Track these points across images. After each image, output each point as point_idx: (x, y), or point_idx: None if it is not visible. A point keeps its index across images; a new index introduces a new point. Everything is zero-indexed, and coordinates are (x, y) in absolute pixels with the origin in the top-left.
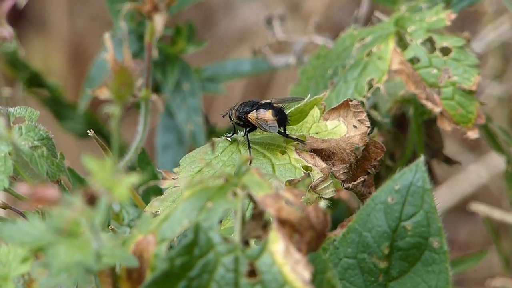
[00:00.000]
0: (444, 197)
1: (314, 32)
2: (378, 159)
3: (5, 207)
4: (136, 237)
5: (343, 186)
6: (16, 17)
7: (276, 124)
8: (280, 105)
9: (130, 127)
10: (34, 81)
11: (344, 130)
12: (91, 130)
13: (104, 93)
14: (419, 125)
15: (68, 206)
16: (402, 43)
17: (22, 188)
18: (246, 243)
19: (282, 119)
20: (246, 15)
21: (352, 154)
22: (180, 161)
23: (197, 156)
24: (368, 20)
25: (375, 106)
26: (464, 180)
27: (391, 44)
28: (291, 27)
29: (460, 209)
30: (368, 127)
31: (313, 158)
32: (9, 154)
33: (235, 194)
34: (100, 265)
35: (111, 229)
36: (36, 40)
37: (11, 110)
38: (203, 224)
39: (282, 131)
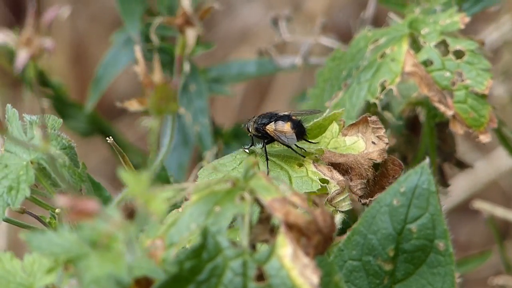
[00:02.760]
0: (451, 195)
1: (320, 32)
2: (396, 176)
3: (23, 211)
4: (144, 242)
5: (360, 201)
6: (17, 17)
7: (294, 136)
8: (299, 117)
9: (131, 127)
10: (39, 80)
11: (362, 146)
12: (110, 137)
13: (134, 106)
14: (431, 127)
15: (106, 219)
16: (416, 45)
17: (62, 200)
18: (253, 247)
19: (300, 132)
20: (246, 16)
21: (370, 170)
22: (198, 172)
23: (215, 167)
24: (375, 22)
25: (388, 108)
26: (469, 178)
27: (405, 46)
28: (292, 27)
29: (461, 209)
30: (387, 143)
31: (331, 171)
32: (31, 163)
33: (242, 198)
34: (131, 278)
35: None
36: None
37: (34, 117)
38: (211, 228)
39: (300, 143)
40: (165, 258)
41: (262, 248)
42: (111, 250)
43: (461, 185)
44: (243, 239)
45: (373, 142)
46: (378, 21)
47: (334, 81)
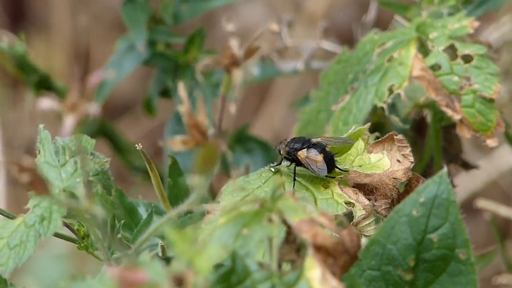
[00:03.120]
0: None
1: (322, 37)
2: None
3: None
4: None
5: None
6: (18, 17)
7: (325, 167)
8: (330, 147)
9: (131, 127)
10: (43, 84)
11: (387, 164)
12: (139, 144)
13: (178, 146)
14: (437, 130)
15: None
16: (424, 49)
17: (112, 271)
18: (279, 267)
19: (331, 165)
20: (246, 16)
21: (395, 189)
22: (222, 189)
23: (239, 185)
24: (377, 25)
25: (393, 110)
26: (470, 177)
27: (413, 50)
28: (293, 29)
29: (462, 208)
30: (412, 162)
31: (356, 194)
32: (64, 191)
33: (270, 220)
34: None
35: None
36: (37, 41)
37: (66, 140)
38: (240, 251)
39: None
40: (195, 283)
41: (288, 268)
42: None
43: (461, 185)
44: (272, 261)
45: (398, 160)
46: (380, 24)
47: (340, 84)
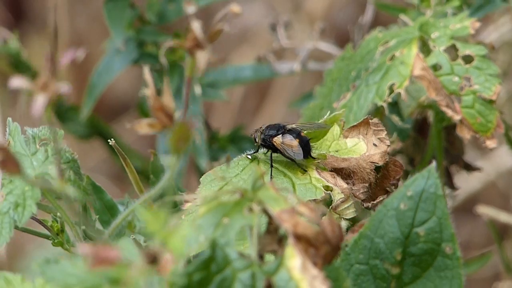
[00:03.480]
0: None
1: (319, 38)
2: (397, 177)
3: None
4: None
5: (363, 205)
6: (16, 17)
7: (301, 151)
8: (306, 132)
9: (128, 129)
10: None
11: (364, 148)
12: (112, 140)
13: (144, 129)
14: (439, 130)
15: (129, 265)
16: (425, 49)
17: (83, 249)
18: (261, 257)
19: (307, 150)
20: (247, 16)
21: (372, 173)
22: (201, 179)
23: (218, 174)
24: (373, 27)
25: (395, 110)
26: (470, 178)
27: (414, 49)
28: (292, 29)
29: (461, 209)
30: (388, 145)
31: (334, 177)
32: (36, 178)
33: (251, 209)
34: None
35: (133, 239)
36: (36, 41)
37: (36, 131)
38: (220, 240)
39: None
40: (174, 270)
41: (270, 258)
42: (127, 285)
43: (461, 185)
44: (252, 250)
45: (375, 144)
46: (378, 25)
47: (343, 81)
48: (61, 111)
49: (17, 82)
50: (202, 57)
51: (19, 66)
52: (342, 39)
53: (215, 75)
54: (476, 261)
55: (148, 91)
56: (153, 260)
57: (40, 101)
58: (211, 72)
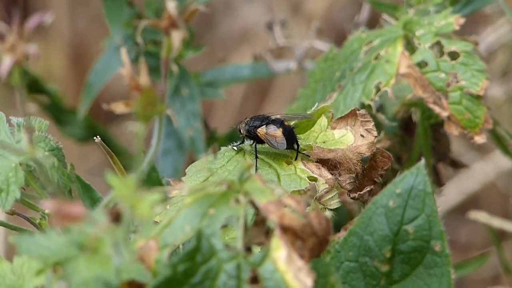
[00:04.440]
0: (449, 196)
1: (315, 37)
2: (385, 168)
3: (12, 213)
4: (137, 243)
5: (350, 196)
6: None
7: (285, 141)
8: (291, 124)
9: (126, 131)
10: (34, 87)
11: (351, 139)
12: (97, 136)
13: (120, 108)
14: (426, 128)
15: (93, 223)
16: (410, 47)
17: (47, 205)
18: (248, 249)
19: (291, 139)
20: (246, 16)
21: (359, 163)
22: (186, 170)
23: (203, 165)
24: (370, 25)
25: (381, 109)
26: (469, 179)
27: (399, 47)
28: (291, 29)
29: (462, 210)
30: (376, 136)
31: (319, 168)
32: (20, 164)
33: (237, 200)
34: (119, 281)
35: None
36: (36, 42)
37: (21, 120)
38: (206, 231)
39: (292, 148)
40: (159, 260)
41: (257, 250)
42: (99, 253)
43: (460, 187)
44: (238, 241)
45: (362, 135)
46: (374, 24)
47: (327, 82)
48: (59, 114)
49: None
50: (177, 37)
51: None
52: (342, 39)
53: (213, 74)
54: (474, 261)
55: (124, 70)
56: (117, 218)
57: (6, 62)
58: (210, 71)
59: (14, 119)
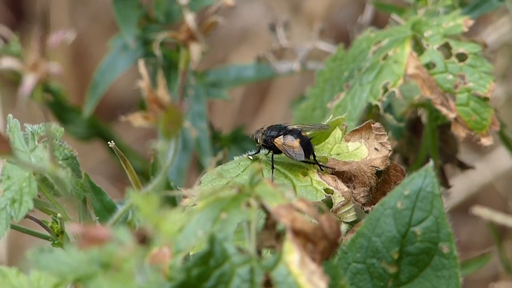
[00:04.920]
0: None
1: (318, 38)
2: (398, 182)
3: (25, 216)
4: (151, 249)
5: (363, 209)
6: (17, 18)
7: (302, 152)
8: (308, 133)
9: (128, 129)
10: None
11: (365, 153)
12: (112, 141)
13: (139, 121)
14: (433, 129)
15: (119, 244)
16: (419, 48)
17: (73, 228)
18: (259, 253)
19: (308, 150)
20: (246, 16)
21: (373, 177)
22: (202, 178)
23: (219, 173)
24: (372, 25)
25: (389, 110)
26: (469, 179)
27: (407, 48)
28: (292, 29)
29: (462, 209)
30: (390, 150)
31: (335, 181)
32: (34, 174)
33: (248, 204)
34: None
35: None
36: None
37: (35, 127)
38: (218, 235)
39: (309, 159)
40: (172, 265)
41: (268, 254)
42: (122, 271)
43: (461, 186)
44: (250, 245)
45: (376, 149)
46: (377, 24)
47: (335, 82)
48: (62, 112)
49: (7, 62)
50: (196, 49)
51: None
52: (343, 39)
53: (217, 74)
54: (475, 261)
55: (143, 83)
56: (143, 239)
57: (29, 81)
58: (214, 71)
59: (28, 126)
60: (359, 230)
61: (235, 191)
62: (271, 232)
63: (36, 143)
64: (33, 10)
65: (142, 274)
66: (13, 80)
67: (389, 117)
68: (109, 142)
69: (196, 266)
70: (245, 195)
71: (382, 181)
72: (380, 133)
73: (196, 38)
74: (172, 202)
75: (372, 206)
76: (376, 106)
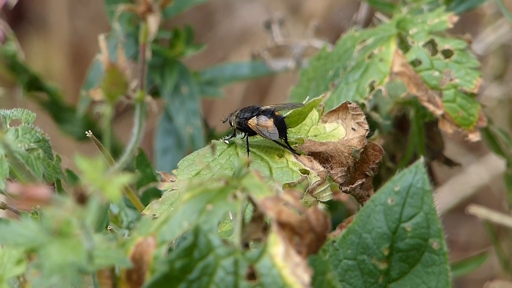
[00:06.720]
0: (445, 198)
1: (313, 35)
2: (376, 161)
3: (4, 207)
4: (136, 239)
5: (341, 189)
6: (16, 18)
7: (276, 131)
8: (281, 113)
9: (127, 130)
10: (34, 85)
11: (342, 133)
12: (89, 131)
13: (98, 94)
14: (420, 127)
15: (59, 205)
16: (404, 45)
17: (13, 187)
18: (246, 245)
19: (282, 128)
20: (245, 16)
21: (350, 157)
22: (178, 163)
23: (195, 158)
24: (367, 24)
25: (375, 108)
26: (465, 181)
27: (393, 46)
28: (291, 29)
29: (460, 210)
30: (367, 130)
31: (311, 161)
32: (5, 156)
33: (235, 196)
34: (93, 266)
35: (110, 229)
36: (36, 42)
37: (7, 112)
38: (203, 227)
39: (283, 139)
40: (157, 256)
41: (255, 246)
42: (70, 238)
43: (459, 186)
44: (235, 237)
45: (353, 129)
46: (372, 22)
47: (320, 81)
48: (58, 112)
49: None
50: (154, 21)
51: (16, 68)
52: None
53: (213, 72)
54: (473, 261)
55: (102, 57)
56: (81, 198)
57: None
58: (209, 70)
59: (1, 111)
60: (350, 226)
61: (222, 183)
62: (258, 224)
63: (8, 126)
64: (33, 10)
65: (88, 239)
66: (10, 80)
67: (375, 115)
68: (86, 132)
69: (180, 258)
70: (232, 187)
71: (361, 160)
72: (357, 113)
73: (153, 10)
74: (159, 196)
75: (350, 186)
76: (363, 104)
